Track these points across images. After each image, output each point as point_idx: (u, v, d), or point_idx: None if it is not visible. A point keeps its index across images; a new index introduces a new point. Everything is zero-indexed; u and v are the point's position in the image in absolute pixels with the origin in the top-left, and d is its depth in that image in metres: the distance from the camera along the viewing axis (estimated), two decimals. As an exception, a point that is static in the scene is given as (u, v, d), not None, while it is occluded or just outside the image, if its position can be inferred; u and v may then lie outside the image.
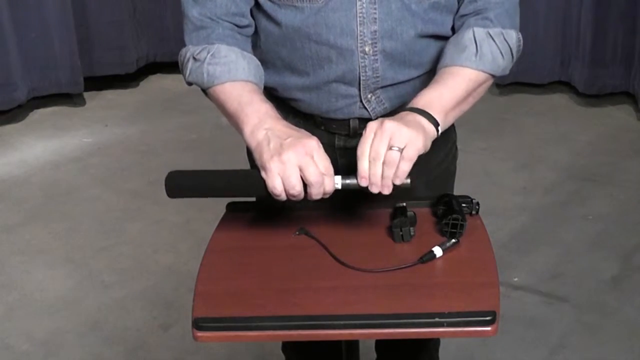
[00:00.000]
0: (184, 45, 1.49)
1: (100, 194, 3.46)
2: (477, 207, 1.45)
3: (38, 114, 4.27)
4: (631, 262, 2.86)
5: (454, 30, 1.53)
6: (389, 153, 1.25)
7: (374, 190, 1.28)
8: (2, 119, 4.14)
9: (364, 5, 1.43)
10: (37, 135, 4.03)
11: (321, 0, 1.42)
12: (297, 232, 1.43)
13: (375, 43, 1.46)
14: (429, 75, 1.55)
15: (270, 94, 1.56)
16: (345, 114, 1.54)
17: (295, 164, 1.26)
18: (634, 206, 3.19)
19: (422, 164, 1.40)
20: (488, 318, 1.21)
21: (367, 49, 1.46)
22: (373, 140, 1.27)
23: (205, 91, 1.46)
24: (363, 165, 1.27)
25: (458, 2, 1.50)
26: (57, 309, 2.75)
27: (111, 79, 4.51)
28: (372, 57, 1.47)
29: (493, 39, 1.44)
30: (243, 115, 1.36)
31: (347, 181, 1.31)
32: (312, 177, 1.26)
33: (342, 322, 1.23)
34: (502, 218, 3.09)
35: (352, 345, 1.50)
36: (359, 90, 1.51)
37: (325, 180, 1.27)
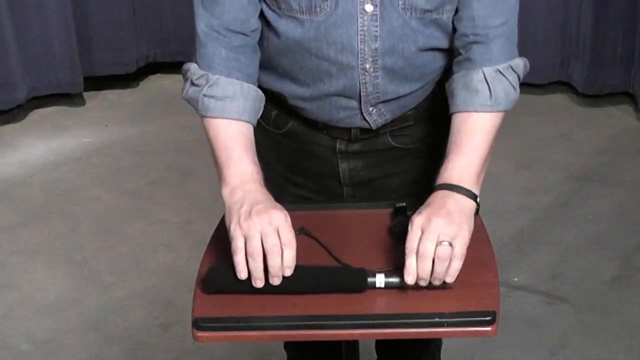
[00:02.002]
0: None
1: (100, 194, 3.46)
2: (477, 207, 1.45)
3: (38, 114, 4.26)
4: (631, 262, 2.85)
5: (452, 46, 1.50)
6: (440, 248, 1.24)
7: (422, 284, 1.26)
8: (2, 119, 4.13)
9: (365, 22, 1.41)
10: (37, 135, 4.03)
11: (322, 14, 1.40)
12: (297, 232, 1.43)
13: (376, 60, 1.44)
14: (431, 85, 1.55)
15: (276, 97, 1.55)
16: (346, 123, 1.54)
17: (258, 230, 1.25)
18: (634, 206, 3.19)
19: (425, 170, 1.42)
20: (488, 318, 1.21)
21: (367, 66, 1.44)
22: (421, 237, 1.26)
23: None
24: (411, 262, 1.25)
25: (454, 15, 1.46)
26: (57, 309, 2.75)
27: (111, 79, 4.50)
28: (373, 74, 1.45)
29: (503, 75, 1.42)
30: (227, 173, 1.37)
31: (391, 280, 1.27)
32: (269, 245, 1.25)
33: (342, 322, 1.23)
34: (502, 218, 3.09)
35: (352, 345, 1.50)
36: (360, 104, 1.49)
37: (285, 253, 1.25)
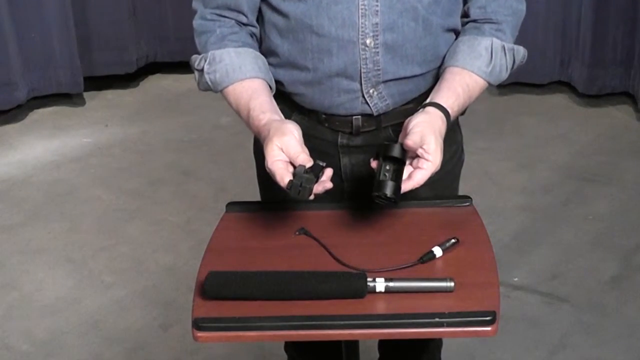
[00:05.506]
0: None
1: (100, 194, 3.46)
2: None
3: (38, 114, 4.26)
4: (631, 262, 2.85)
5: (455, 31, 1.54)
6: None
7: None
8: (2, 119, 4.14)
9: None
10: (37, 135, 4.03)
11: None
12: (297, 232, 1.44)
13: (377, 35, 1.47)
14: (433, 75, 1.56)
15: (277, 88, 1.57)
16: (347, 109, 1.55)
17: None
18: (634, 206, 3.19)
19: None
20: (488, 318, 1.21)
21: (368, 42, 1.48)
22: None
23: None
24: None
25: (464, 3, 1.54)
26: (57, 309, 2.75)
27: (111, 79, 4.50)
28: (373, 50, 1.48)
29: (506, 53, 1.52)
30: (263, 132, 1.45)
31: (392, 284, 1.27)
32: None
33: (342, 322, 1.23)
34: (502, 218, 3.09)
35: (352, 345, 1.50)
36: (361, 84, 1.51)
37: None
